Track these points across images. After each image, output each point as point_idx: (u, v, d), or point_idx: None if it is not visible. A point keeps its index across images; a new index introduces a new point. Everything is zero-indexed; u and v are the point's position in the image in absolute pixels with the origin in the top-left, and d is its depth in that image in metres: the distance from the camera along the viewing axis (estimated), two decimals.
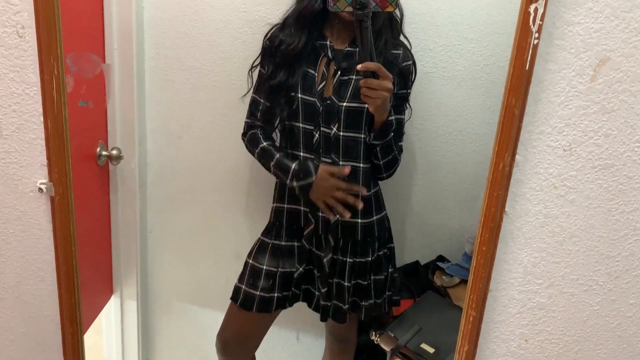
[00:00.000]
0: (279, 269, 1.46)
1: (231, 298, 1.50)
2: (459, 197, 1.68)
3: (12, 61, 1.01)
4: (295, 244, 1.47)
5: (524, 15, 0.77)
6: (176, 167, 1.79)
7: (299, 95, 1.36)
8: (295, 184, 1.38)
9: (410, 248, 1.75)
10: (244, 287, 1.47)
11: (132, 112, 1.66)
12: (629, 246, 0.94)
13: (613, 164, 0.88)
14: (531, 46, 0.77)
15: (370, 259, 1.46)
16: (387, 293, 1.52)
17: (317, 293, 1.49)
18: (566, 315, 1.00)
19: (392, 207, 1.55)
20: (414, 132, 1.62)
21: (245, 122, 1.50)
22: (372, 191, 1.45)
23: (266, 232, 1.51)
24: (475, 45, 1.54)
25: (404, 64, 1.38)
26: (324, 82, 1.36)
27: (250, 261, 1.49)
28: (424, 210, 1.72)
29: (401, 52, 1.39)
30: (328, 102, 1.35)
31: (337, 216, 1.39)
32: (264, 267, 1.46)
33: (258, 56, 1.45)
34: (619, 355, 1.02)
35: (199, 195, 1.81)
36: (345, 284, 1.44)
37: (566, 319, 1.00)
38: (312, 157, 1.39)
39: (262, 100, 1.45)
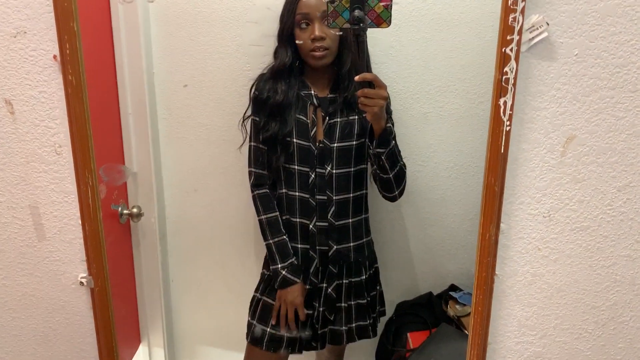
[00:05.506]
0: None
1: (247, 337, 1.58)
2: (465, 226, 1.74)
3: (52, 175, 1.13)
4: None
5: (495, 108, 0.84)
6: (193, 218, 1.87)
7: (294, 140, 1.47)
8: (280, 269, 1.50)
9: (423, 279, 1.80)
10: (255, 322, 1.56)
11: (150, 171, 1.74)
12: (612, 297, 1.02)
13: (589, 226, 0.96)
14: (504, 133, 0.85)
15: (364, 277, 1.56)
16: (378, 308, 1.64)
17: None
18: None
19: (403, 239, 1.61)
20: (417, 169, 1.68)
21: (252, 172, 1.56)
22: (363, 216, 1.56)
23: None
24: (468, 84, 1.61)
25: None
26: (315, 128, 1.47)
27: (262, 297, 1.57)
28: (434, 242, 1.77)
29: None
30: (321, 145, 1.47)
31: (335, 246, 1.50)
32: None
33: (248, 107, 1.55)
34: None
35: (216, 243, 1.88)
36: (346, 304, 1.54)
37: None
38: (308, 196, 1.48)
39: (261, 146, 1.53)
